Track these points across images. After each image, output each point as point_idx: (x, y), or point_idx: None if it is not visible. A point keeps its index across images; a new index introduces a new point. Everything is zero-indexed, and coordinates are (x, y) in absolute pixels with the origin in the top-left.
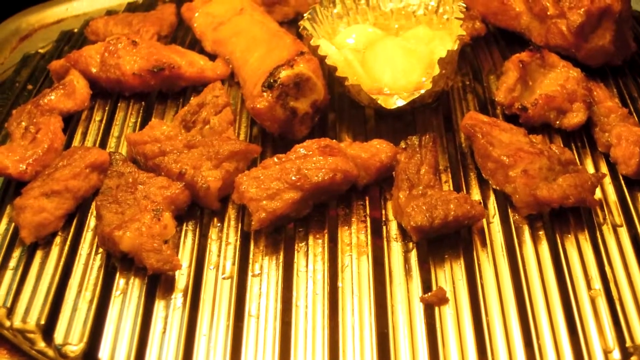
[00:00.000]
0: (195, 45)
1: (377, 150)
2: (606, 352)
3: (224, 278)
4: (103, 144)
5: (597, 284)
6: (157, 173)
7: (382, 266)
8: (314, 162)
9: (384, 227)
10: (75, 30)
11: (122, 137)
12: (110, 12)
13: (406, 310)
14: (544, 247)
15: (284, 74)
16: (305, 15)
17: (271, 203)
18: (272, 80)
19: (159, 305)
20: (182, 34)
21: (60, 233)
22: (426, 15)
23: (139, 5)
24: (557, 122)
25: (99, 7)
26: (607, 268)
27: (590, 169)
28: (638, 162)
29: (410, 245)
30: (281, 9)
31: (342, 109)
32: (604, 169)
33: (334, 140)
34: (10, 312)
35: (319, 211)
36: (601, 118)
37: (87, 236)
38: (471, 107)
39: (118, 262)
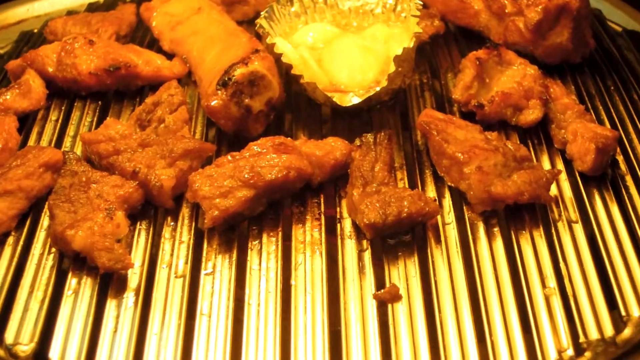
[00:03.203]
0: (154, 44)
1: (332, 147)
2: (560, 352)
3: (176, 277)
4: (59, 144)
5: (551, 282)
6: (111, 172)
7: (335, 264)
8: (267, 159)
9: (339, 225)
10: (36, 30)
11: (78, 136)
12: (71, 13)
13: (359, 307)
14: (499, 244)
15: (238, 71)
16: (262, 13)
17: (224, 201)
18: (226, 78)
19: (110, 305)
20: (141, 34)
21: (13, 233)
22: (384, 14)
23: (99, 5)
24: (514, 119)
25: (60, 8)
26: (561, 264)
27: (547, 165)
28: (594, 159)
29: (364, 242)
30: (241, 8)
31: (299, 107)
32: (560, 165)
33: (289, 138)
34: None
35: (273, 209)
36: (557, 115)
37: (40, 236)
38: (428, 105)
39: (71, 261)
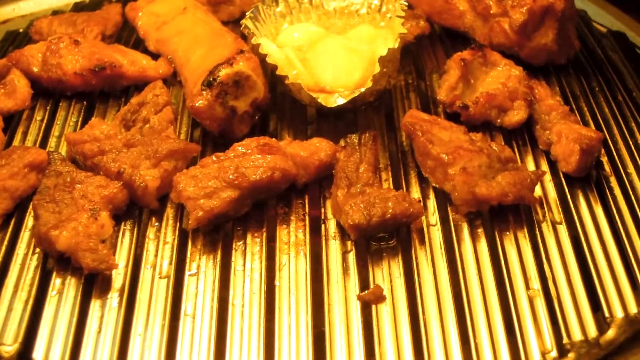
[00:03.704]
0: (139, 44)
1: (317, 148)
2: (544, 354)
3: (160, 277)
4: (44, 144)
5: (535, 283)
6: (96, 172)
7: (320, 265)
8: (252, 160)
9: (323, 226)
10: (21, 30)
11: (63, 136)
12: (56, 12)
13: (343, 308)
14: (483, 245)
15: (223, 72)
16: (247, 13)
17: (208, 202)
18: (211, 79)
19: (94, 305)
20: (126, 34)
21: None
22: (369, 14)
23: (85, 5)
24: (499, 120)
25: (46, 7)
26: (545, 266)
27: (531, 166)
28: (578, 160)
29: (349, 243)
30: (226, 8)
31: (284, 108)
32: (544, 166)
33: (273, 139)
34: None
35: (258, 210)
36: (542, 116)
37: (25, 236)
38: (413, 106)
39: (55, 262)
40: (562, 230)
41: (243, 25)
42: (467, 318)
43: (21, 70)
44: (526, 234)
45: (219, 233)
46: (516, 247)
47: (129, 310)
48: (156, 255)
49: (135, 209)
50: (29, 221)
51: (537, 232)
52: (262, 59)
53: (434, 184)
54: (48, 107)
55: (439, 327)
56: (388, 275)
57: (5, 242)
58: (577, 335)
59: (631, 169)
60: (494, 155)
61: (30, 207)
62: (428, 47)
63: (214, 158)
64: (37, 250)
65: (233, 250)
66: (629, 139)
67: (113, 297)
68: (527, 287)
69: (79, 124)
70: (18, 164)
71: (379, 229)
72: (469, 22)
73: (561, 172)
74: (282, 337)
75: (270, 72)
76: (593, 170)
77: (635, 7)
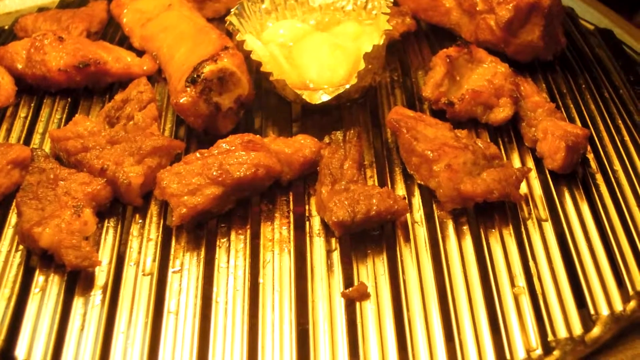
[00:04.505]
0: (124, 41)
1: (301, 145)
2: (529, 351)
3: (144, 274)
4: (27, 141)
5: (520, 281)
6: (79, 169)
7: (304, 262)
8: (236, 157)
9: (307, 223)
10: (6, 27)
11: (47, 133)
12: (42, 9)
13: (327, 305)
14: (468, 243)
15: (207, 68)
16: (232, 10)
17: (192, 199)
18: (195, 76)
19: (77, 303)
20: (112, 31)
21: None
22: (355, 11)
23: (70, 2)
24: (484, 117)
25: (31, 5)
26: (531, 263)
27: (517, 163)
28: (564, 157)
29: (333, 240)
30: (212, 5)
31: (269, 104)
32: (530, 163)
33: (257, 136)
34: None
35: (242, 207)
36: (528, 113)
37: (8, 233)
38: (399, 103)
39: (38, 259)
40: (548, 227)
41: (228, 22)
42: (452, 315)
43: (5, 67)
44: (511, 231)
45: (202, 230)
46: (501, 244)
47: (112, 307)
48: (140, 253)
49: (118, 206)
50: (12, 218)
51: (523, 229)
52: (247, 55)
53: (419, 181)
54: (32, 104)
55: (423, 325)
56: (372, 272)
57: None
58: (563, 333)
59: (617, 166)
60: (479, 152)
61: (14, 204)
62: (414, 44)
63: (197, 155)
64: (20, 247)
65: (217, 247)
66: (615, 136)
67: (96, 295)
68: (512, 284)
69: (63, 120)
70: (1, 160)
71: (364, 226)
72: (455, 19)
73: (547, 169)
74: (265, 335)
75: (255, 69)
76: (579, 167)
77: (622, 4)
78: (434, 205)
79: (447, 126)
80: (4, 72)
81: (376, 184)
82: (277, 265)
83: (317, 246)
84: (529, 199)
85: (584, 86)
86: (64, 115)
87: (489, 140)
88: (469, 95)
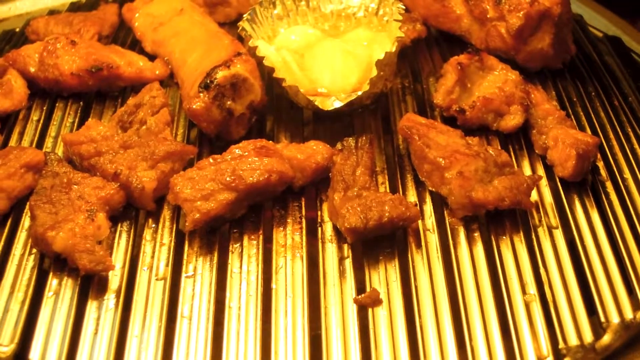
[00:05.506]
0: (136, 45)
1: (314, 151)
2: (540, 358)
3: (157, 279)
4: (40, 144)
5: (531, 288)
6: (92, 173)
7: (316, 267)
8: (249, 162)
9: (319, 229)
10: (17, 29)
11: (60, 137)
12: (52, 12)
13: (339, 311)
14: (479, 249)
15: (220, 74)
16: (244, 16)
17: (205, 204)
18: (208, 81)
19: (91, 306)
20: (123, 34)
21: None
22: (366, 17)
23: (82, 5)
24: (495, 125)
25: (42, 7)
26: (541, 270)
27: (527, 171)
28: (574, 165)
29: (345, 246)
30: (223, 10)
31: (281, 110)
32: (540, 171)
33: (270, 142)
34: None
35: (255, 212)
36: (538, 120)
37: (21, 237)
38: (410, 109)
39: (51, 262)
40: (558, 234)
41: (240, 28)
42: (464, 322)
43: (18, 70)
44: (522, 239)
45: (215, 235)
46: (512, 252)
47: (125, 311)
48: (153, 257)
49: (131, 211)
50: (26, 222)
51: (534, 236)
52: (259, 61)
53: (430, 188)
54: (45, 108)
55: (435, 331)
56: (384, 278)
57: (2, 243)
58: (573, 340)
59: (627, 174)
60: (490, 159)
61: (27, 207)
62: (425, 51)
63: (210, 160)
64: (34, 250)
65: (230, 253)
66: (625, 144)
67: (110, 299)
68: (524, 291)
69: (76, 124)
70: (15, 164)
71: (376, 232)
72: (465, 25)
73: (557, 177)
74: (278, 340)
75: (267, 75)
76: (589, 175)
77: (631, 12)
78: (445, 212)
79: (458, 133)
80: (17, 75)
81: (388, 190)
82: (290, 271)
83: (330, 252)
84: (539, 206)
85: (593, 94)
86: (77, 119)
87: (499, 148)
88: (480, 103)
